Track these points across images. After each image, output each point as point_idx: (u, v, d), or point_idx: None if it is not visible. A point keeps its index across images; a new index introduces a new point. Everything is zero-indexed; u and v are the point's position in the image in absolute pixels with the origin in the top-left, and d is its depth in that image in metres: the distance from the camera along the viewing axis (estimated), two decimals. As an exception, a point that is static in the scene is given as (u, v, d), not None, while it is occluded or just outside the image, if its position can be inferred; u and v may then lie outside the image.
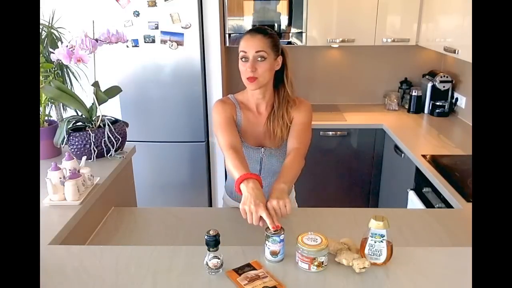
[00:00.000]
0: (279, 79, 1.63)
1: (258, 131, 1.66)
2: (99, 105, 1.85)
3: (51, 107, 2.73)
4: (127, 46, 2.79)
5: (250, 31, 1.56)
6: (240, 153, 1.52)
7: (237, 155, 1.48)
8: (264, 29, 1.57)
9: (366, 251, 1.17)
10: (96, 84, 1.85)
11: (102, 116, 1.86)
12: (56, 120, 2.23)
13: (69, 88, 2.52)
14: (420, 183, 2.31)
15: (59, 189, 1.51)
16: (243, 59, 1.53)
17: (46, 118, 2.05)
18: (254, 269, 1.16)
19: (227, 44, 3.11)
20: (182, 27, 2.75)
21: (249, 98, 1.66)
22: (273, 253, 1.19)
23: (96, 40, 1.74)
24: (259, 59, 1.51)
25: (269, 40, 1.53)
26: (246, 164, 1.47)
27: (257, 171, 1.68)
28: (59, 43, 1.77)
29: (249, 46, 1.51)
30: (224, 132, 1.57)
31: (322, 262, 1.15)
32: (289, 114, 1.63)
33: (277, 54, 1.56)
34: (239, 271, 1.16)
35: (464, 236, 1.51)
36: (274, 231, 1.19)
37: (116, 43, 1.81)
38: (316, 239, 1.16)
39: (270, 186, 1.70)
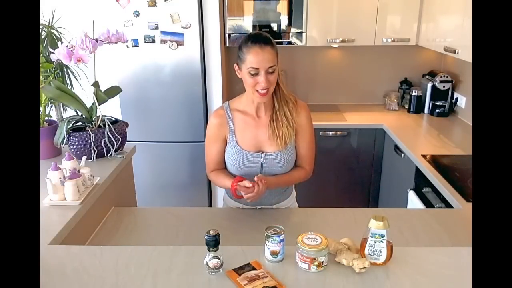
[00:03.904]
0: None
1: (258, 134, 1.64)
2: (99, 105, 1.85)
3: (51, 107, 2.73)
4: (127, 46, 2.79)
5: (256, 42, 1.49)
6: (219, 170, 1.72)
7: (218, 174, 1.71)
8: (269, 38, 1.52)
9: (366, 251, 1.17)
10: (96, 84, 1.85)
11: (102, 116, 1.86)
12: (56, 120, 2.23)
13: (69, 88, 2.52)
14: (420, 183, 2.31)
15: (59, 189, 1.51)
16: (252, 73, 1.50)
17: (46, 118, 2.05)
18: (254, 269, 1.17)
19: (227, 44, 3.11)
20: (182, 27, 2.75)
21: (249, 103, 1.64)
22: (273, 253, 1.19)
23: (96, 40, 1.74)
24: (270, 70, 1.50)
25: (275, 50, 1.52)
26: (227, 173, 1.70)
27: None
28: (59, 43, 1.77)
29: (261, 62, 1.48)
30: (210, 154, 1.72)
31: (322, 262, 1.15)
32: (292, 114, 1.63)
33: (278, 60, 1.55)
34: (239, 271, 1.16)
35: (464, 236, 1.51)
36: (274, 231, 1.20)
37: (116, 43, 1.81)
38: (316, 239, 1.16)
39: (270, 189, 1.70)
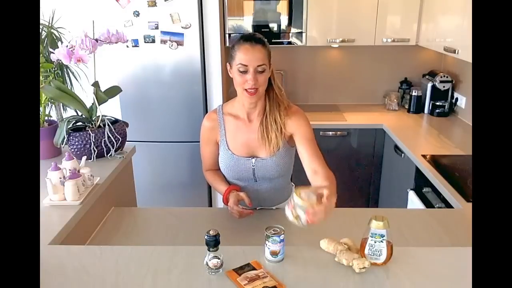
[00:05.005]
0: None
1: (250, 139, 1.62)
2: (99, 105, 1.85)
3: (51, 107, 2.73)
4: (127, 46, 2.79)
5: (247, 40, 1.49)
6: (214, 171, 1.74)
7: (213, 175, 1.73)
8: (261, 39, 1.51)
9: (366, 251, 1.17)
10: (96, 84, 1.85)
11: (102, 116, 1.86)
12: (56, 120, 2.23)
13: (69, 88, 2.52)
14: (420, 183, 2.31)
15: (59, 189, 1.51)
16: (240, 70, 1.49)
17: (46, 118, 2.05)
18: (254, 269, 1.17)
19: (227, 44, 3.11)
20: (182, 27, 2.75)
21: (240, 107, 1.62)
22: (273, 253, 1.19)
23: (96, 40, 1.74)
24: (259, 69, 1.49)
25: (266, 50, 1.51)
26: (221, 178, 1.71)
27: (251, 179, 1.67)
28: (59, 43, 1.77)
29: (250, 60, 1.47)
30: (203, 154, 1.75)
31: (299, 216, 1.19)
32: (282, 118, 1.58)
33: (270, 62, 1.54)
34: (239, 271, 1.16)
35: (464, 236, 1.51)
36: (274, 231, 1.20)
37: (116, 43, 1.81)
38: (312, 198, 1.20)
39: (268, 191, 1.70)
